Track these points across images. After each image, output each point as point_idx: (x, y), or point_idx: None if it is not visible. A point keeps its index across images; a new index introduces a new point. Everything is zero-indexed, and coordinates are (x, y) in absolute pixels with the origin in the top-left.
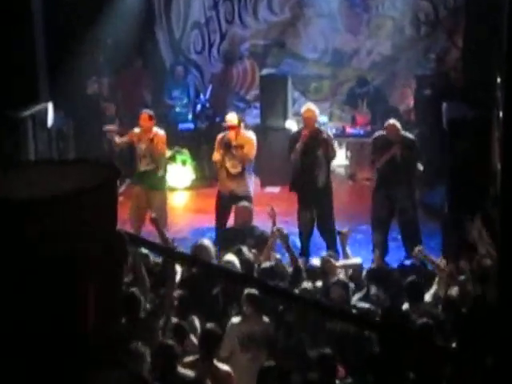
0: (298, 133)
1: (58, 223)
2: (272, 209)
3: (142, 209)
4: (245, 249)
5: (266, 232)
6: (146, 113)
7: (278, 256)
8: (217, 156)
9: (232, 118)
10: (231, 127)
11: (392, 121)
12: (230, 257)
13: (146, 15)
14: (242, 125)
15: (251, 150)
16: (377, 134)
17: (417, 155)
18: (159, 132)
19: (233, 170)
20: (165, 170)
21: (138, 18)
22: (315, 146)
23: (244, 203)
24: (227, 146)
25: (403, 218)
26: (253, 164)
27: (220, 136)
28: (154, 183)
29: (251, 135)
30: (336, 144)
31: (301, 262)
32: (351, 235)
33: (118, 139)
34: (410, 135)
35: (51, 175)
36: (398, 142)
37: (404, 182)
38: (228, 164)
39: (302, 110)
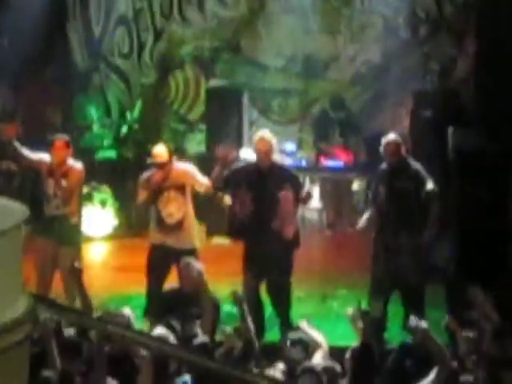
0: (253, 167)
1: None
2: None
3: (48, 269)
4: (174, 323)
5: (217, 299)
6: (61, 139)
7: (228, 329)
8: (141, 197)
9: (160, 151)
10: (160, 166)
11: (390, 136)
12: (162, 330)
13: (56, 8)
14: (174, 158)
15: (201, 186)
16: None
17: (429, 191)
18: (76, 165)
19: (169, 220)
20: (80, 217)
21: (45, 11)
22: (275, 187)
23: (190, 259)
24: (159, 189)
25: (405, 281)
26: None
27: (145, 175)
28: (64, 234)
29: (188, 167)
30: (307, 182)
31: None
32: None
33: (25, 151)
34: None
35: None
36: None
37: (411, 228)
38: (163, 212)
39: (254, 138)
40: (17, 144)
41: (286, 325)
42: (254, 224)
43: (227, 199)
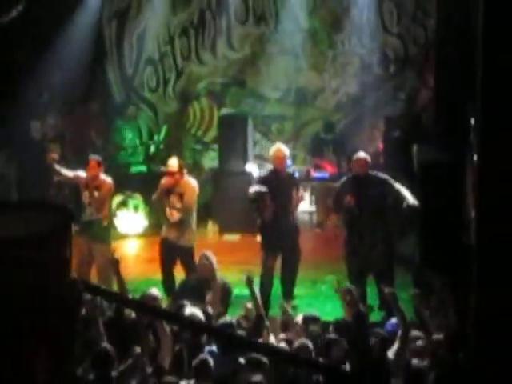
0: (271, 173)
1: (5, 270)
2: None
3: (86, 263)
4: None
5: (227, 284)
6: (94, 160)
7: (249, 305)
8: (154, 196)
9: (173, 163)
10: (170, 173)
11: (361, 153)
12: (191, 309)
13: (96, 51)
14: (185, 171)
15: (190, 200)
16: (343, 179)
17: (393, 194)
18: (106, 180)
19: (171, 219)
20: (110, 220)
21: (88, 53)
22: (288, 187)
23: (204, 253)
24: (167, 193)
25: (378, 268)
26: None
27: (163, 181)
28: (98, 235)
29: (193, 183)
30: (301, 189)
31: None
32: (316, 287)
33: (64, 171)
34: (381, 174)
35: (3, 219)
36: (368, 178)
37: (378, 226)
38: (167, 212)
39: (272, 150)
40: (57, 166)
41: (288, 298)
42: (275, 218)
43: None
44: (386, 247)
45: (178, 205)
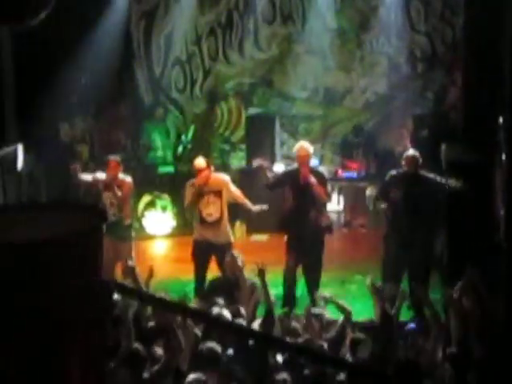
0: (295, 170)
1: (45, 269)
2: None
3: (110, 262)
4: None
5: (255, 283)
6: (114, 160)
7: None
8: (187, 201)
9: (199, 161)
10: (199, 171)
11: (411, 151)
12: (218, 310)
13: (124, 51)
14: (212, 168)
15: (226, 194)
16: (393, 172)
17: (439, 194)
18: (126, 179)
19: (209, 219)
20: (131, 220)
21: (116, 54)
22: (310, 186)
23: (233, 252)
24: (199, 193)
25: (414, 268)
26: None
27: (190, 182)
28: (121, 234)
29: (224, 177)
30: (329, 187)
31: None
32: (344, 287)
33: (84, 177)
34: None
35: (36, 218)
36: (416, 176)
37: (420, 225)
38: (203, 212)
39: (296, 148)
40: (78, 175)
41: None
42: (296, 216)
43: None
44: (425, 247)
45: (215, 204)
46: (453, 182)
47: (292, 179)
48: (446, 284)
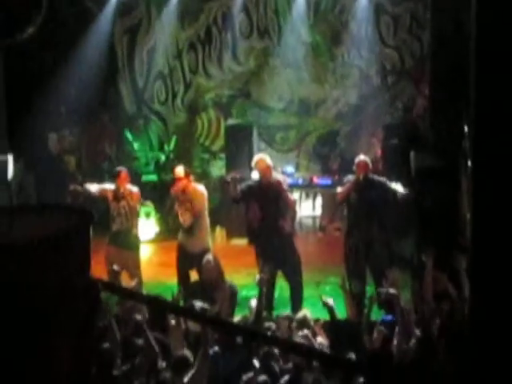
0: (257, 183)
1: (31, 270)
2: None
3: (117, 269)
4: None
5: (234, 286)
6: (123, 171)
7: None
8: (167, 203)
9: (179, 170)
10: (178, 179)
11: (361, 156)
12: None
13: (109, 66)
14: (192, 178)
15: (200, 205)
16: (349, 177)
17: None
18: (133, 189)
19: (185, 225)
20: (137, 228)
21: (101, 68)
22: (275, 196)
23: (209, 257)
24: (177, 200)
25: (376, 268)
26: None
27: (172, 189)
28: (128, 243)
29: (201, 189)
30: (303, 194)
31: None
32: (319, 288)
33: (89, 188)
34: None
35: (23, 220)
36: (367, 180)
37: (375, 226)
38: (180, 219)
39: (255, 161)
40: (82, 189)
41: (298, 305)
42: (264, 227)
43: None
44: (383, 248)
45: (190, 211)
46: (399, 188)
47: (255, 192)
48: (414, 282)
